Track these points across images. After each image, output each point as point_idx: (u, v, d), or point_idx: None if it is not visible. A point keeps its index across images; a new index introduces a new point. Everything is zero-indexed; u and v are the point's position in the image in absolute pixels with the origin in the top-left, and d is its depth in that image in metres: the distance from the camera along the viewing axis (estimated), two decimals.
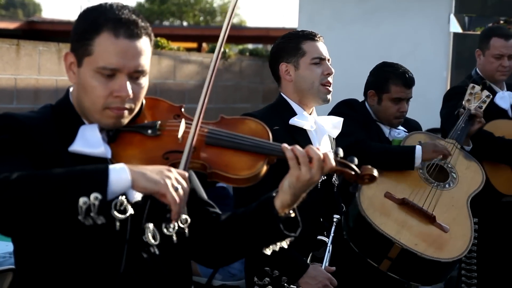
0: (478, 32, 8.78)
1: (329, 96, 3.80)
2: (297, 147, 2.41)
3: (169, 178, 2.14)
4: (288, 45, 3.86)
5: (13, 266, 4.41)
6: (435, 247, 4.25)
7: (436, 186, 4.53)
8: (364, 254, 4.28)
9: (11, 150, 2.23)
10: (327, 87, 3.79)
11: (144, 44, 2.39)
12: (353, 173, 2.42)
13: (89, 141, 2.36)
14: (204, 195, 2.67)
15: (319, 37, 3.89)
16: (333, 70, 3.82)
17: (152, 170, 2.14)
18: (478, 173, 4.80)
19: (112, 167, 2.11)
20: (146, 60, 2.39)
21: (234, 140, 2.40)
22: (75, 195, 2.05)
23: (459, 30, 9.35)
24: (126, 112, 2.38)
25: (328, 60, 3.85)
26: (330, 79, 3.80)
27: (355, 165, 2.43)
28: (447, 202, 4.49)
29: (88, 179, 2.07)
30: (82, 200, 2.04)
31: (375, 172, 2.45)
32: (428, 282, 4.44)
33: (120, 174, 2.10)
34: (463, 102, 5.02)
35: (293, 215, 2.48)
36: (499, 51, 5.52)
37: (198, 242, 2.60)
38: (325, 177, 3.72)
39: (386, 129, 4.74)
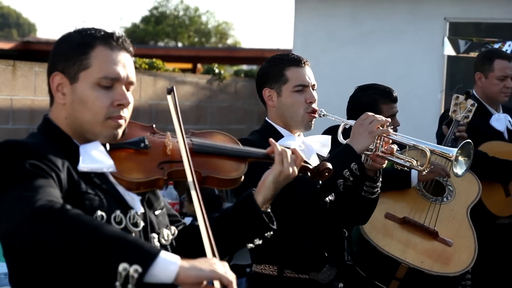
0: (472, 55, 8.82)
1: (312, 123, 3.78)
2: (278, 144, 2.69)
3: (216, 264, 2.16)
4: (272, 70, 3.79)
5: (9, 287, 4.40)
6: (441, 263, 4.28)
7: (435, 201, 4.56)
8: (371, 277, 4.30)
9: (41, 173, 2.22)
10: (312, 114, 3.74)
11: (131, 58, 2.52)
12: (313, 169, 2.78)
13: (95, 157, 2.40)
14: (171, 209, 2.77)
15: (304, 62, 3.77)
16: (316, 98, 3.75)
17: (199, 261, 2.15)
18: (474, 183, 4.84)
19: (164, 255, 2.09)
20: (134, 73, 2.51)
21: (217, 147, 2.65)
22: (118, 258, 2.04)
23: (452, 53, 9.39)
24: (124, 121, 2.47)
25: (313, 86, 3.77)
26: (314, 105, 3.74)
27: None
28: (447, 216, 4.52)
29: (137, 250, 2.06)
30: (122, 266, 2.02)
31: (330, 165, 2.80)
32: None
33: (168, 265, 2.08)
34: (450, 113, 5.05)
35: (269, 210, 2.69)
36: (503, 72, 5.56)
37: (187, 247, 2.67)
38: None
39: None
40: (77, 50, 2.43)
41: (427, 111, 10.41)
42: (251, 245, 2.71)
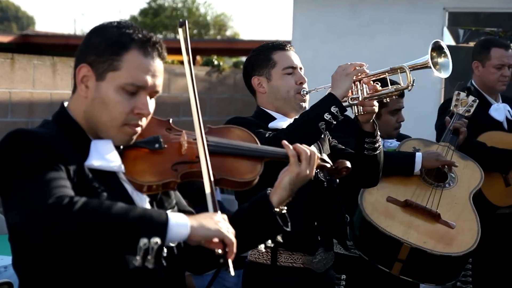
0: (471, 45, 8.81)
1: (304, 104, 3.80)
2: (298, 144, 2.59)
3: (220, 222, 2.27)
4: (258, 57, 3.84)
5: (8, 280, 4.40)
6: (444, 243, 4.27)
7: (436, 187, 4.56)
8: (374, 261, 4.28)
9: (51, 166, 2.21)
10: (303, 95, 3.78)
11: (162, 66, 2.47)
12: (331, 167, 2.71)
13: (104, 155, 2.38)
14: (186, 206, 2.73)
15: (289, 47, 3.85)
16: (306, 79, 3.81)
17: (205, 219, 2.25)
18: (476, 170, 4.85)
19: (174, 218, 2.17)
20: (161, 81, 2.47)
21: (233, 147, 2.57)
22: (136, 235, 2.11)
23: (452, 43, 9.39)
24: (140, 129, 2.43)
25: (301, 68, 3.83)
26: (305, 86, 3.79)
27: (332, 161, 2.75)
28: (450, 200, 4.52)
29: (149, 222, 2.14)
30: (142, 241, 2.10)
31: (349, 164, 2.74)
32: (442, 281, 4.42)
33: (180, 228, 2.18)
34: (451, 108, 5.08)
35: (284, 211, 2.62)
36: (500, 61, 5.55)
37: (190, 251, 2.63)
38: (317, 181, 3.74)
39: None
40: (111, 48, 2.37)
41: (427, 102, 10.39)
42: (262, 246, 2.68)
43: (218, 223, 2.25)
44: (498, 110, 5.59)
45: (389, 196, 4.43)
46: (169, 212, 2.18)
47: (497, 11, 10.85)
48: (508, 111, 5.63)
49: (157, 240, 2.10)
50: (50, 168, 2.20)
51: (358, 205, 4.32)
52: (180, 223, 2.17)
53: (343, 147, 3.97)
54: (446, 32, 9.67)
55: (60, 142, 2.33)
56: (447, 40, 9.59)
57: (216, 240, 2.23)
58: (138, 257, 2.10)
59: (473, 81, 5.68)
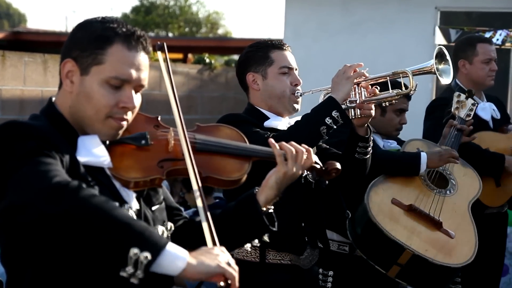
0: None
1: (297, 106, 3.81)
2: (284, 143, 2.58)
3: (219, 255, 2.18)
4: (256, 54, 3.82)
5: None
6: (444, 253, 4.27)
7: (439, 193, 4.56)
8: (372, 261, 4.27)
9: (46, 153, 2.19)
10: (297, 96, 3.78)
11: (148, 60, 2.46)
12: (321, 168, 2.68)
13: (91, 151, 2.37)
14: (173, 202, 2.74)
15: (287, 47, 3.85)
16: (301, 81, 3.81)
17: (203, 255, 2.17)
18: (475, 179, 4.85)
19: (172, 248, 2.11)
20: (147, 75, 2.46)
21: (221, 145, 2.55)
22: (129, 242, 2.05)
23: (444, 42, 9.38)
24: (126, 123, 2.42)
25: (296, 70, 3.83)
26: (299, 88, 3.79)
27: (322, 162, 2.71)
28: (450, 208, 4.52)
29: (147, 237, 2.08)
30: (133, 251, 2.04)
31: (339, 165, 2.70)
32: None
33: (176, 259, 2.11)
34: (452, 110, 5.03)
35: (271, 210, 2.61)
36: (488, 55, 5.55)
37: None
38: (303, 181, 3.73)
39: (380, 141, 4.75)
40: (94, 42, 2.38)
41: (419, 101, 10.38)
42: (249, 245, 2.67)
43: (217, 257, 2.17)
44: (485, 109, 5.58)
45: (394, 198, 4.42)
46: (171, 244, 2.12)
47: (489, 11, 10.88)
48: (493, 110, 5.63)
49: (147, 254, 2.04)
50: (46, 155, 2.18)
51: (363, 204, 4.30)
52: (177, 255, 2.11)
53: (327, 146, 3.97)
54: (437, 31, 9.66)
55: (53, 134, 2.32)
56: (439, 39, 9.58)
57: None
58: (129, 267, 2.04)
59: (457, 80, 5.66)
